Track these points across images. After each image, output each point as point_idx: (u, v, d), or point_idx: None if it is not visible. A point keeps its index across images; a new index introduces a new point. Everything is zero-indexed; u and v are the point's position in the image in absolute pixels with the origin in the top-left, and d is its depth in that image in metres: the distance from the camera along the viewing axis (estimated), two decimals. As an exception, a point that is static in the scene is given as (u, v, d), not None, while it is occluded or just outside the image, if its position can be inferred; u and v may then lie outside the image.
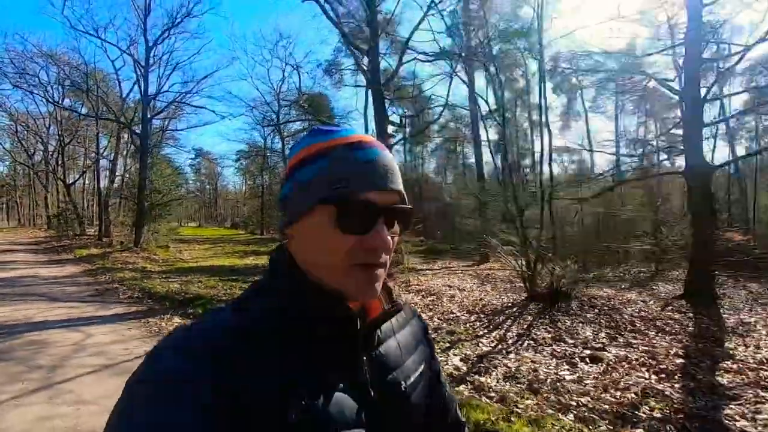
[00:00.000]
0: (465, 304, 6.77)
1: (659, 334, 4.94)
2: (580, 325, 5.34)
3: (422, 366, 0.65)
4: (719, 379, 3.54)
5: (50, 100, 17.49)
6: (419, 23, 10.52)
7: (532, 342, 4.80)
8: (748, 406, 3.04)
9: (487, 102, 15.26)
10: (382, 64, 11.94)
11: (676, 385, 3.45)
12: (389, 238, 0.52)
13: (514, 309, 6.27)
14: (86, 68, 15.11)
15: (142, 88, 14.32)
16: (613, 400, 3.19)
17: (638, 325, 5.33)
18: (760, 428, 2.74)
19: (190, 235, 28.68)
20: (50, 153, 28.46)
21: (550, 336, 4.93)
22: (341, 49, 17.70)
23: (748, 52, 6.70)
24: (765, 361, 3.93)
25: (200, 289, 7.77)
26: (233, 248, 18.89)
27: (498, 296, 7.28)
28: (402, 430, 0.58)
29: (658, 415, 2.90)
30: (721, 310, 5.91)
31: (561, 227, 9.69)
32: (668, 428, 2.73)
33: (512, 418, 2.86)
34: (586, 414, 2.95)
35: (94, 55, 24.41)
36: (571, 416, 2.94)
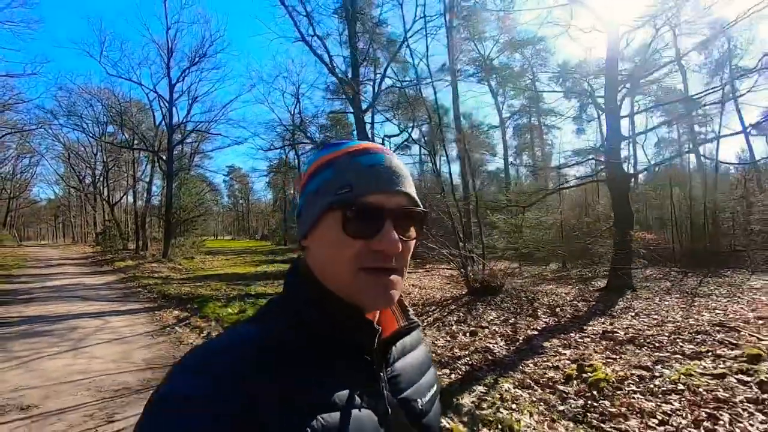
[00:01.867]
0: (416, 298, 8.04)
1: (550, 317, 6.04)
2: (490, 310, 6.52)
3: (435, 386, 0.65)
4: (546, 343, 4.68)
5: (92, 135, 20.12)
6: (393, 57, 11.93)
7: (441, 323, 6.03)
8: (546, 358, 4.20)
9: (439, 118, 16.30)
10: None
11: (511, 347, 4.63)
12: (400, 241, 0.51)
13: (451, 301, 7.48)
14: (120, 106, 17.61)
15: (167, 120, 16.57)
16: (453, 355, 4.42)
17: (540, 311, 6.42)
18: (540, 369, 3.91)
19: (218, 247, 31.08)
20: (97, 177, 31.85)
21: (455, 319, 6.15)
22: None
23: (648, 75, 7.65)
24: (602, 331, 5.00)
25: (205, 291, 9.42)
26: (253, 258, 20.75)
27: (448, 291, 8.48)
28: None
29: (471, 362, 4.13)
30: (629, 298, 6.87)
31: (516, 233, 10.76)
32: (470, 368, 3.97)
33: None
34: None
35: (129, 89, 27.63)
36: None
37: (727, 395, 3.02)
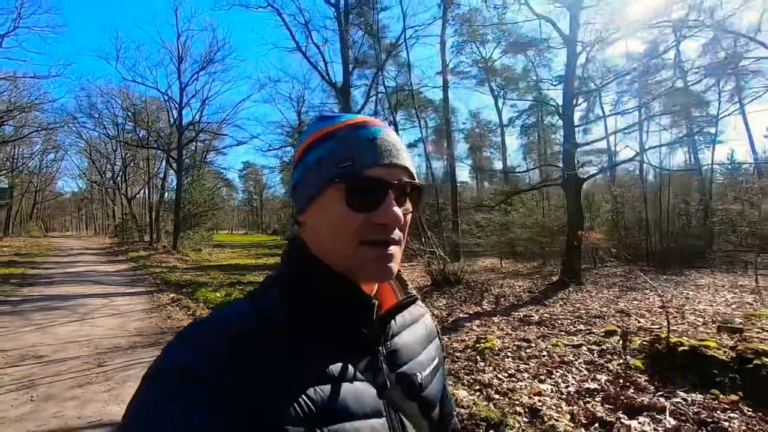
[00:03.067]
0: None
1: (491, 304, 6.86)
2: (442, 298, 7.37)
3: (436, 361, 0.65)
4: (468, 324, 5.53)
5: (108, 135, 21.58)
6: (380, 67, 12.79)
7: (395, 309, 6.90)
8: (459, 334, 5.05)
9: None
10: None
11: (438, 326, 5.48)
12: (401, 214, 0.52)
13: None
14: (134, 108, 18.97)
15: (177, 121, 17.80)
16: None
17: (486, 300, 7.25)
18: (449, 341, 4.76)
19: (229, 240, 32.53)
20: (116, 172, 33.56)
21: (407, 304, 7.02)
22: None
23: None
24: (522, 315, 5.81)
25: (203, 279, 10.49)
26: (257, 251, 21.95)
27: (416, 281, 9.34)
28: (418, 421, 0.58)
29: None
30: (570, 291, 7.63)
31: (500, 231, 11.52)
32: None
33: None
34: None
35: (146, 89, 29.16)
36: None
37: (572, 359, 3.85)
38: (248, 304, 0.52)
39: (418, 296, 0.62)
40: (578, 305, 6.37)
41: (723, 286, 8.14)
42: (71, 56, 62.03)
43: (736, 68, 8.67)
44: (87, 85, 25.31)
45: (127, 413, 0.42)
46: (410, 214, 0.56)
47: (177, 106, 17.89)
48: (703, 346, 3.35)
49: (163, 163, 26.53)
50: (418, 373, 0.59)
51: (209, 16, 34.36)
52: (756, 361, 3.05)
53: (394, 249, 0.52)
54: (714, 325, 4.64)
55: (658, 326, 4.65)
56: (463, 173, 37.09)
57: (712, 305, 6.06)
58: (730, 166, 14.78)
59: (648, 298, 6.66)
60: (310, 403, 0.44)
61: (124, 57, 30.59)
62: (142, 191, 33.44)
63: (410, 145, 23.29)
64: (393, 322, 0.58)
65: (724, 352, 3.27)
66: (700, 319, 5.06)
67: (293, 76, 38.66)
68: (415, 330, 0.64)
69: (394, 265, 0.53)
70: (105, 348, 4.72)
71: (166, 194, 26.76)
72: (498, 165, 32.86)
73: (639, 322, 4.95)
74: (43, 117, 23.07)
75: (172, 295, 8.28)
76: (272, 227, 56.98)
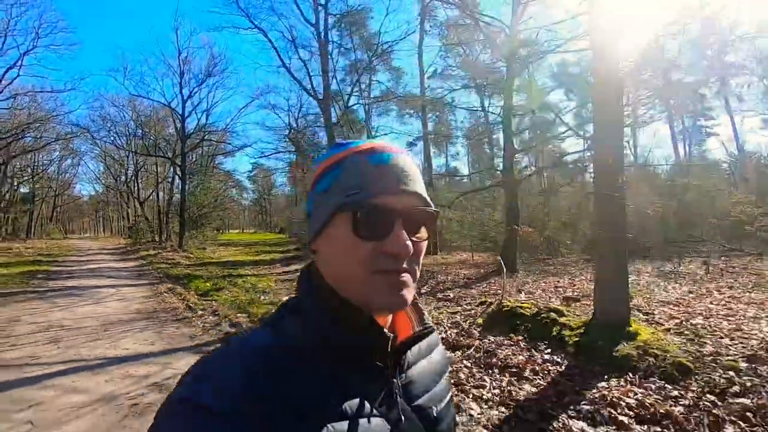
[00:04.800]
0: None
1: (425, 287, 8.25)
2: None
3: (450, 393, 0.64)
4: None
5: (118, 145, 23.52)
6: (356, 82, 14.21)
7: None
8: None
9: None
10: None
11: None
12: (410, 242, 0.51)
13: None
14: (140, 119, 20.83)
15: (180, 131, 19.53)
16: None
17: (426, 285, 8.63)
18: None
19: (235, 239, 34.39)
20: (129, 177, 35.65)
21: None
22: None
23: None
24: (442, 295, 7.20)
25: (199, 272, 12.09)
26: (258, 249, 23.58)
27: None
28: None
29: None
30: (500, 278, 8.96)
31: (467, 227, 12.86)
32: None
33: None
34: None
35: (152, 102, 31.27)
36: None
37: (444, 321, 5.25)
38: (265, 334, 0.52)
39: (434, 326, 0.62)
40: (494, 287, 7.74)
41: (648, 272, 9.42)
42: (85, 71, 65.25)
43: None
44: (99, 96, 27.51)
45: None
46: (424, 242, 0.55)
47: (180, 117, 19.61)
48: (519, 306, 4.74)
49: (171, 168, 28.46)
50: (434, 406, 0.58)
51: (206, 35, 37.09)
52: (543, 315, 4.43)
53: (406, 277, 0.52)
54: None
55: (532, 299, 6.02)
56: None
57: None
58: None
59: (557, 282, 8.00)
60: None
61: (131, 74, 32.70)
62: (153, 194, 35.49)
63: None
64: (408, 353, 0.57)
65: (531, 310, 4.65)
66: (570, 294, 6.41)
67: (283, 88, 40.59)
68: (431, 361, 0.63)
69: (408, 294, 0.52)
70: (110, 321, 6.26)
71: (174, 197, 28.69)
72: (464, 169, 33.59)
73: (524, 296, 6.33)
74: (60, 128, 25.13)
75: (170, 285, 9.86)
76: (279, 226, 59.05)
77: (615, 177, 4.21)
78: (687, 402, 2.88)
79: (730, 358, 3.36)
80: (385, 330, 0.52)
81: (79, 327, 5.84)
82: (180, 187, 20.38)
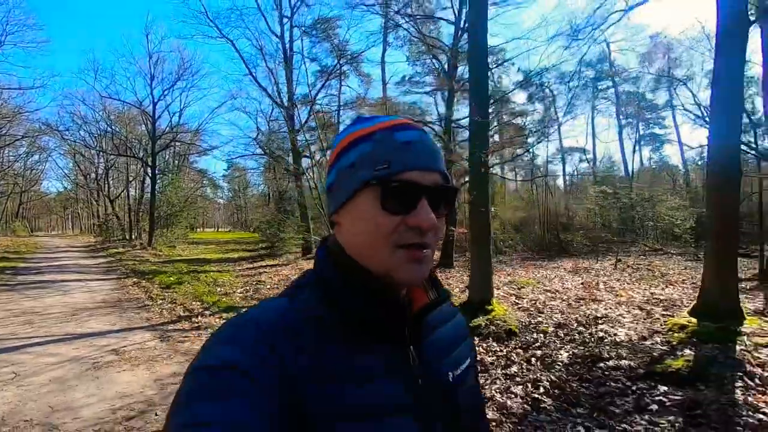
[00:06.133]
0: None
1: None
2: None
3: (468, 360, 0.65)
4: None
5: (87, 144, 23.80)
6: (320, 89, 15.23)
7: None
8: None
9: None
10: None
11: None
12: (434, 218, 0.52)
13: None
14: (110, 118, 21.26)
15: (150, 132, 20.06)
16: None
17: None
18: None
19: (208, 237, 34.77)
20: (99, 174, 35.50)
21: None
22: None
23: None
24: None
25: (165, 269, 12.84)
26: (227, 247, 24.25)
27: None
28: (449, 419, 0.58)
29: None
30: (437, 271, 10.16)
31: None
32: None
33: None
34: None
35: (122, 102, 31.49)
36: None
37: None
38: (286, 302, 0.54)
39: (451, 294, 0.63)
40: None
41: (565, 268, 10.82)
42: (56, 70, 64.01)
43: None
44: (69, 94, 27.41)
45: (173, 406, 0.43)
46: (444, 217, 0.56)
47: (151, 118, 20.14)
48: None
49: (142, 168, 28.70)
50: (450, 372, 0.59)
51: (177, 40, 37.32)
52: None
53: (427, 252, 0.53)
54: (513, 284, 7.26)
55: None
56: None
57: (533, 276, 8.69)
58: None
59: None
60: (343, 398, 0.47)
61: (102, 75, 33.07)
62: (124, 192, 35.47)
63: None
64: (425, 321, 0.58)
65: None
66: (513, 284, 7.64)
67: (252, 94, 41.20)
68: (447, 328, 0.64)
69: (427, 268, 0.54)
70: (78, 308, 7.11)
71: (145, 196, 28.94)
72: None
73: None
74: (27, 124, 25.13)
75: (135, 279, 10.66)
76: (254, 225, 58.99)
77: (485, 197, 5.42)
78: (502, 353, 4.06)
79: (545, 325, 4.58)
80: (403, 298, 0.57)
81: (50, 313, 6.68)
82: (150, 185, 20.86)
